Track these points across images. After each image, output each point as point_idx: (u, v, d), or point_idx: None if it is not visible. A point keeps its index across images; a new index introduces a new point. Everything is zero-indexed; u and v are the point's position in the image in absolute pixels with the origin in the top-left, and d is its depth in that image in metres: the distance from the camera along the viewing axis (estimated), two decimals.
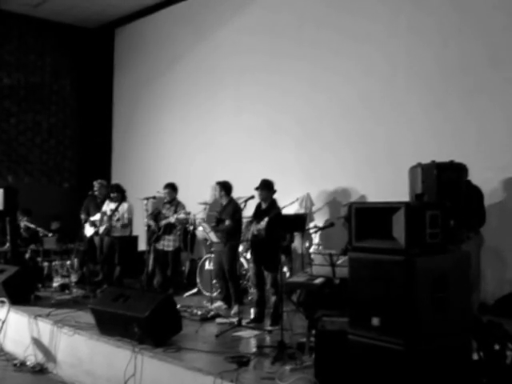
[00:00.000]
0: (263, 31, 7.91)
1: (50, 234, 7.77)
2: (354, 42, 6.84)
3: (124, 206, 7.21)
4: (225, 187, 6.04)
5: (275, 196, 5.55)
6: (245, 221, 5.67)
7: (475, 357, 3.37)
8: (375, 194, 5.89)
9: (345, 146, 6.88)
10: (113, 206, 7.23)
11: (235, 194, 6.16)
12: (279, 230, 4.99)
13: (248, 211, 5.74)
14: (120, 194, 7.24)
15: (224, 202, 6.06)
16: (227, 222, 5.80)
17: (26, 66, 10.28)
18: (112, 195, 7.25)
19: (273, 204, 5.42)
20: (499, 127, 5.59)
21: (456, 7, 5.96)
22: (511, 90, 5.53)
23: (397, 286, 2.88)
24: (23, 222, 7.94)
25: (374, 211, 3.13)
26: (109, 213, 7.19)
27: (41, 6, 9.62)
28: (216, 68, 8.61)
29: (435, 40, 6.10)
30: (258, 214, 5.35)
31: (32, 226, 7.69)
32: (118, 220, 7.03)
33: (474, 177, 4.81)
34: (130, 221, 7.24)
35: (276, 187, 5.55)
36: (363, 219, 3.13)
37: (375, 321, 2.97)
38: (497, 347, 3.38)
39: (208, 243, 6.59)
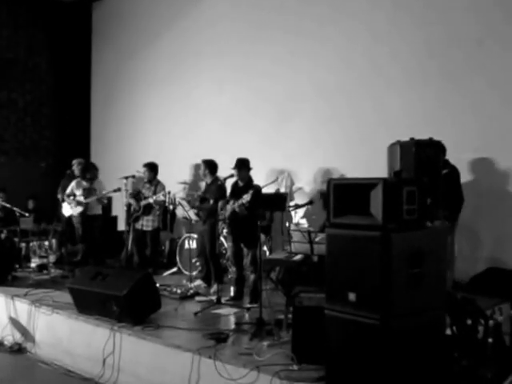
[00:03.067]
0: (243, 14, 7.81)
1: (27, 214, 7.64)
2: (331, 26, 6.80)
3: (100, 184, 7.20)
4: (210, 166, 6.01)
5: (251, 173, 5.53)
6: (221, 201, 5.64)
7: (448, 331, 3.44)
8: (354, 173, 5.90)
9: (323, 126, 6.88)
10: (85, 184, 7.14)
11: None
12: (260, 208, 4.98)
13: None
14: (96, 172, 7.26)
15: (208, 180, 6.02)
16: (212, 202, 5.78)
17: None
18: (89, 173, 7.17)
19: (250, 181, 5.40)
20: (477, 108, 5.62)
21: None
22: (490, 71, 5.56)
23: (373, 261, 2.91)
24: None
25: (352, 187, 3.13)
26: (79, 193, 7.09)
27: None
28: (197, 47, 8.47)
29: (412, 24, 6.08)
30: (236, 193, 5.32)
31: (8, 205, 7.55)
32: (102, 196, 6.98)
33: (451, 157, 4.87)
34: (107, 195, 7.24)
35: (256, 167, 5.53)
36: (341, 195, 3.14)
37: (351, 296, 2.99)
38: (469, 322, 3.45)
39: (186, 221, 6.57)
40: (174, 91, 8.83)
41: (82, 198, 7.08)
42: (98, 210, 7.21)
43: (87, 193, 7.08)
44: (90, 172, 7.22)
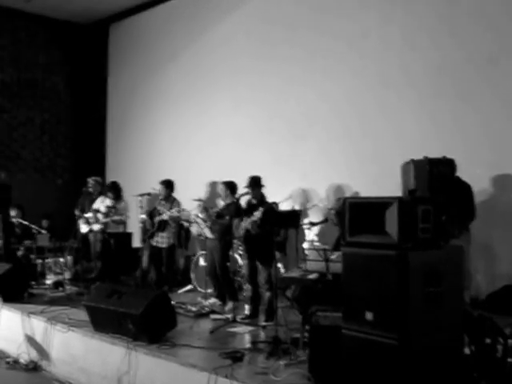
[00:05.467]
0: (257, 33, 7.92)
1: (44, 231, 7.74)
2: (345, 45, 6.87)
3: (121, 204, 7.27)
4: (230, 187, 6.06)
5: (264, 191, 5.58)
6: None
7: (466, 351, 3.39)
8: (367, 190, 5.91)
9: (337, 144, 6.91)
10: (109, 202, 7.24)
11: None
12: (273, 224, 5.01)
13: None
14: (117, 193, 7.31)
15: (228, 201, 6.06)
16: (227, 218, 5.83)
17: (18, 62, 10.18)
18: (110, 192, 7.27)
19: (263, 199, 5.45)
20: (486, 126, 5.61)
21: (445, 10, 5.99)
22: (498, 88, 5.57)
23: (389, 280, 2.90)
24: (16, 219, 7.91)
25: (367, 206, 3.14)
26: (103, 210, 7.20)
27: (32, 1, 9.52)
28: (211, 66, 8.58)
29: (425, 43, 6.14)
30: (250, 211, 5.36)
31: (25, 222, 7.67)
32: (120, 215, 7.06)
33: (464, 173, 4.86)
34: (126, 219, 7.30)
35: (271, 185, 5.57)
36: (357, 214, 3.15)
37: (368, 315, 2.98)
38: (488, 341, 3.41)
39: (201, 238, 6.60)
40: (188, 110, 8.94)
41: (100, 216, 7.18)
42: (118, 228, 7.28)
43: (108, 211, 7.17)
44: (111, 191, 7.30)
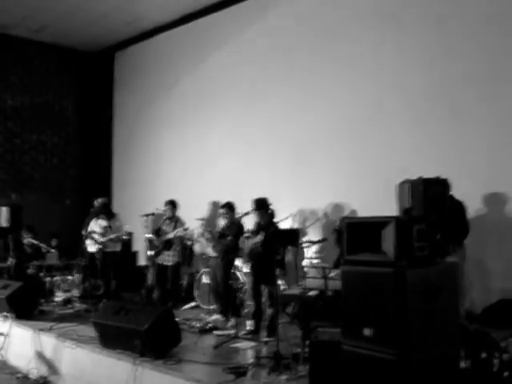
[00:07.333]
0: (258, 58, 8.13)
1: (53, 250, 7.88)
2: (342, 67, 7.06)
3: (117, 222, 7.38)
4: (231, 208, 6.24)
5: (271, 209, 5.70)
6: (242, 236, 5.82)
7: (463, 365, 3.47)
8: (364, 210, 6.01)
9: (335, 164, 7.04)
10: (102, 222, 7.36)
11: None
12: (275, 244, 5.14)
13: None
14: (109, 213, 7.44)
15: (229, 220, 6.21)
16: (229, 238, 5.97)
17: (30, 88, 10.46)
18: (103, 212, 7.39)
19: (271, 219, 5.59)
20: (479, 144, 5.73)
21: (439, 30, 6.16)
22: (492, 107, 5.70)
23: (387, 297, 2.99)
24: (27, 239, 8.06)
25: (364, 225, 3.25)
26: (99, 231, 7.32)
27: (42, 30, 9.85)
28: (212, 91, 8.79)
29: (419, 64, 6.30)
30: (258, 230, 5.49)
31: (35, 242, 7.82)
32: (117, 232, 7.15)
33: (457, 191, 4.99)
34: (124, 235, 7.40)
35: (270, 202, 5.71)
36: (354, 233, 3.25)
37: (367, 331, 3.06)
38: (484, 355, 3.49)
39: (204, 257, 6.75)
40: (190, 132, 9.12)
41: (97, 236, 7.29)
42: (116, 247, 7.34)
43: (104, 231, 7.28)
44: (103, 212, 7.42)
